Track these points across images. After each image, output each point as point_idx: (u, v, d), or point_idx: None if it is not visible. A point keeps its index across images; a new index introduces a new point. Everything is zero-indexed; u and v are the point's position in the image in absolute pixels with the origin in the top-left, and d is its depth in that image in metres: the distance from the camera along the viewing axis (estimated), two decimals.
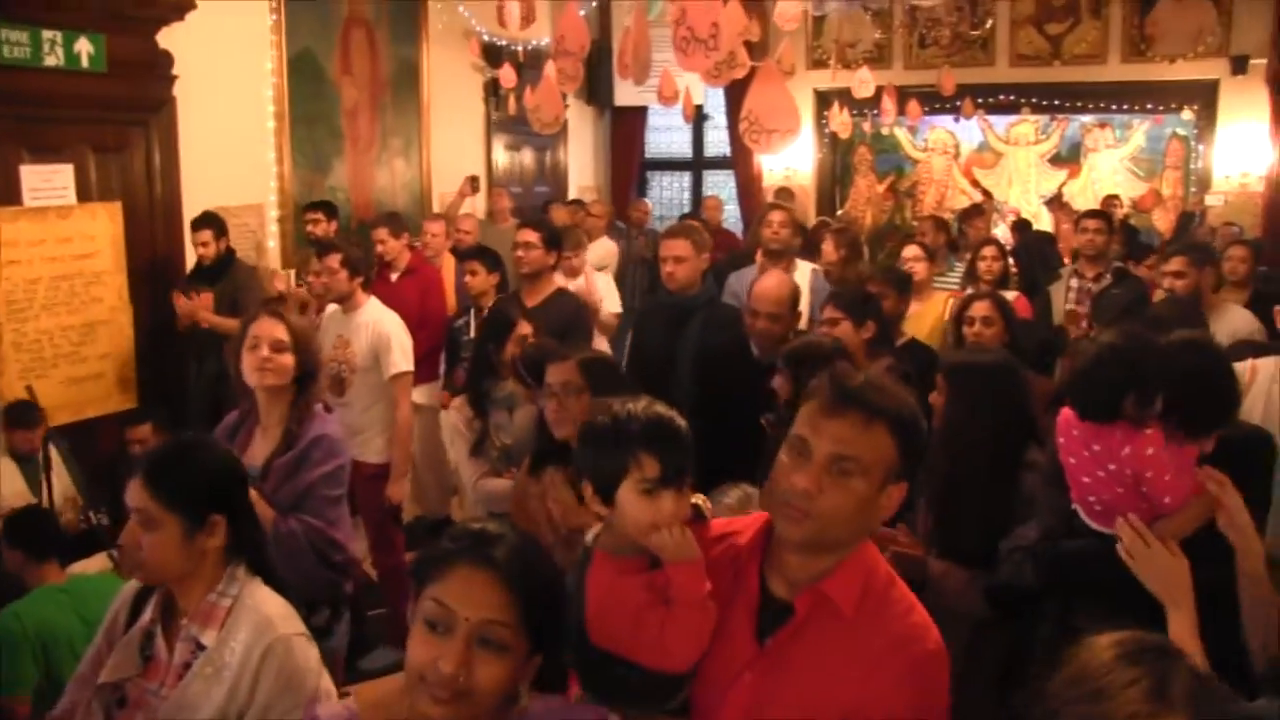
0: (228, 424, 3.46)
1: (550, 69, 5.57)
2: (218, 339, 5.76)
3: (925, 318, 5.83)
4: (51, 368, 5.84)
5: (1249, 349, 4.13)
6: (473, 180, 9.04)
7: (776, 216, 6.02)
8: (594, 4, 9.02)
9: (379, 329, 5.10)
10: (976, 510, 3.13)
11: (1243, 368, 3.50)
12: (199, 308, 5.99)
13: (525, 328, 4.25)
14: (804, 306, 4.99)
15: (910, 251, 6.32)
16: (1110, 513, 2.60)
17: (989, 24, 9.84)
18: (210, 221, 6.28)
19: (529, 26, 6.53)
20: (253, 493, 3.05)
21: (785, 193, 10.59)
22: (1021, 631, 2.86)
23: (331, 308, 5.43)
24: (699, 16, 3.21)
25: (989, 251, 6.61)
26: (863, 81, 8.39)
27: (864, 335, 4.25)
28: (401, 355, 5.10)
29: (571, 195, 11.17)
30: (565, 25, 4.15)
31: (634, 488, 1.81)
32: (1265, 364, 3.93)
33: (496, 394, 4.14)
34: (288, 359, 3.26)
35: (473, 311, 5.75)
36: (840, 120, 9.43)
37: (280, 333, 3.26)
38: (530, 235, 5.34)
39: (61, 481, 5.13)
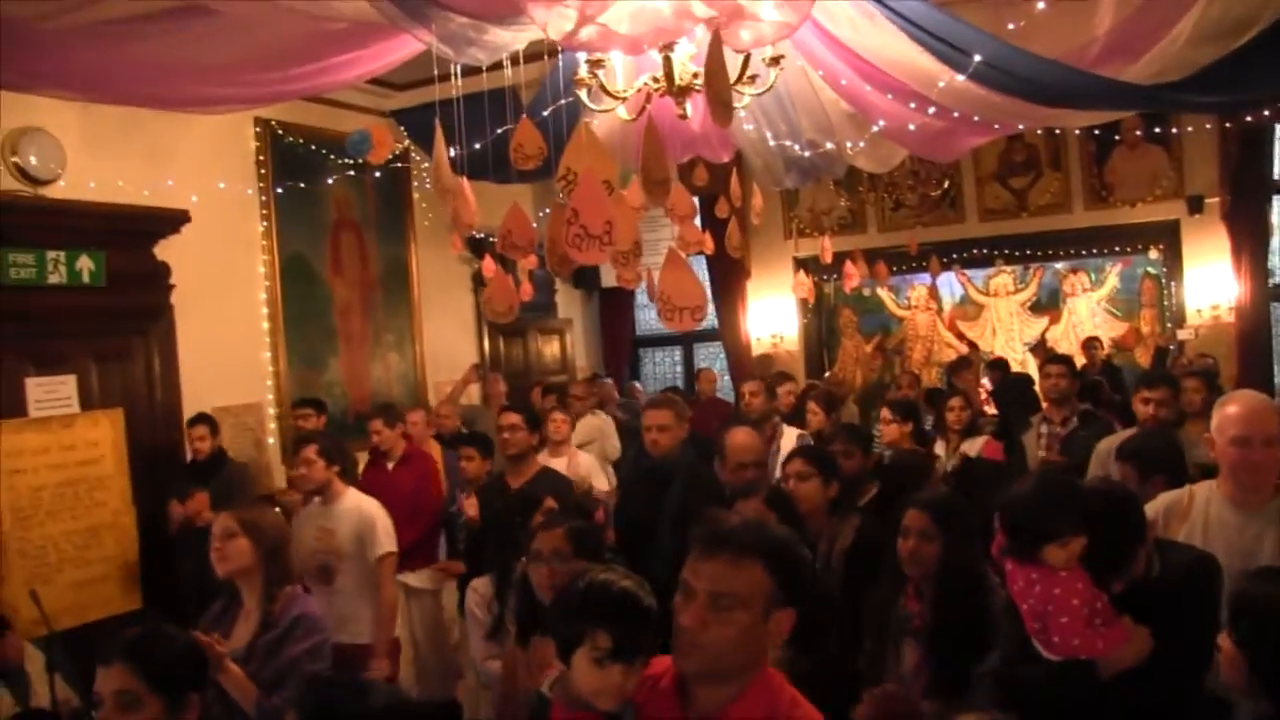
0: (213, 612, 3.61)
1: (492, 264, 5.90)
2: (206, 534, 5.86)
3: None
4: (56, 573, 5.95)
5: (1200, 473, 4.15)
6: (477, 368, 9.32)
7: (748, 387, 6.30)
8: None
9: (361, 514, 5.19)
10: (969, 649, 3.17)
11: (1181, 494, 3.51)
12: (201, 509, 6.11)
13: (551, 502, 4.39)
14: None
15: (884, 414, 6.56)
16: (1065, 641, 2.67)
17: (945, 184, 10.27)
18: (205, 419, 6.56)
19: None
20: (237, 671, 3.16)
21: (765, 360, 10.89)
22: None
23: (311, 503, 5.48)
24: (592, 216, 3.51)
25: (955, 403, 6.84)
26: (825, 249, 8.80)
27: (829, 493, 4.30)
28: (385, 537, 5.18)
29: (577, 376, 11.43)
30: (510, 221, 4.43)
31: (586, 655, 1.96)
32: (1200, 488, 3.90)
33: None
34: (239, 544, 3.46)
35: (462, 496, 5.92)
36: (802, 284, 9.74)
37: (227, 522, 3.50)
38: (513, 418, 5.56)
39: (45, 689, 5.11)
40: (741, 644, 1.91)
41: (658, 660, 2.09)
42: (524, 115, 4.82)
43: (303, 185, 7.96)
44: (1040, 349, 11.13)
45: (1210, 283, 10.65)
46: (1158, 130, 10.47)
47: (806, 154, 6.41)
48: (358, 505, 5.26)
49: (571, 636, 1.99)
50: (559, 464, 6.25)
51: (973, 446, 6.30)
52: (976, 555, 3.26)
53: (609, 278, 11.63)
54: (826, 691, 2.21)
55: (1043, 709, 2.66)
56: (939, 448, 6.73)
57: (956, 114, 5.13)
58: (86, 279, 6.23)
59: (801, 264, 11.84)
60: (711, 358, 13.23)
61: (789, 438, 6.26)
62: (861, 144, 6.24)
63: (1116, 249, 11.31)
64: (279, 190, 7.88)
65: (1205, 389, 5.92)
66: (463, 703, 5.59)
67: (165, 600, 6.24)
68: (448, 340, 9.80)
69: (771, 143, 6.23)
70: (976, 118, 5.23)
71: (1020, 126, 6.79)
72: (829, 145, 6.24)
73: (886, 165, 7.38)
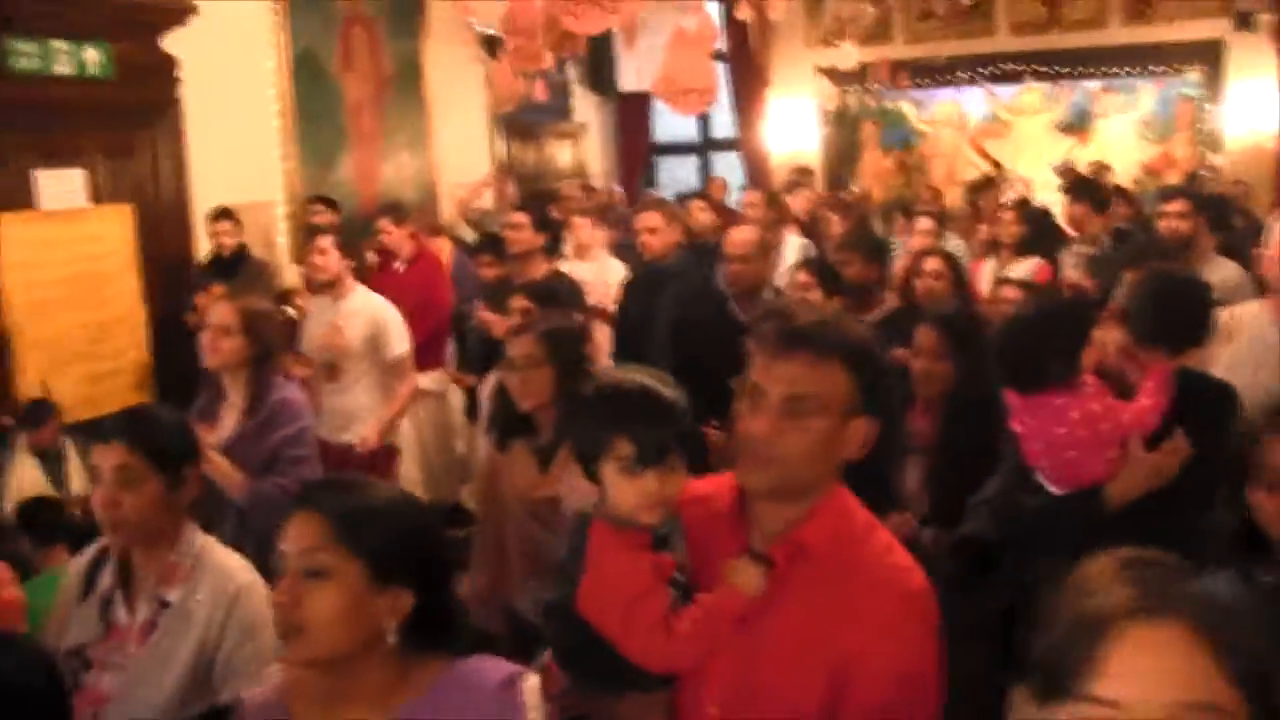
0: (198, 405, 3.65)
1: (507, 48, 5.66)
2: None
3: None
4: (68, 366, 6.02)
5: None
6: (499, 172, 9.20)
7: (746, 199, 6.22)
8: None
9: (373, 314, 5.18)
10: (975, 475, 3.10)
11: (1224, 315, 3.38)
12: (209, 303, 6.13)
13: (520, 302, 4.36)
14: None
15: (924, 224, 6.39)
16: (1064, 475, 2.65)
17: None
18: (228, 213, 6.52)
19: None
20: (222, 461, 3.22)
21: (803, 171, 10.60)
22: (983, 589, 2.88)
23: (321, 298, 5.48)
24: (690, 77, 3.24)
25: (1009, 215, 6.56)
26: (846, 54, 8.48)
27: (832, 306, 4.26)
28: (399, 337, 5.21)
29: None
30: (514, 5, 4.22)
31: (613, 467, 1.76)
32: (1244, 309, 3.80)
33: None
34: (233, 342, 3.45)
35: (478, 303, 5.89)
36: (825, 92, 9.45)
37: (227, 317, 3.45)
38: (518, 217, 5.49)
39: (79, 475, 5.30)
40: (817, 455, 1.71)
41: (711, 480, 1.90)
42: None
43: None
44: (1068, 171, 10.89)
45: (1252, 106, 10.32)
46: None
47: None
48: (369, 304, 5.25)
49: (592, 449, 1.79)
50: (586, 270, 6.21)
51: (1021, 268, 6.02)
52: (989, 376, 3.22)
53: (628, 80, 11.35)
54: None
55: (1038, 540, 2.63)
56: (986, 266, 6.49)
57: None
58: (94, 70, 6.09)
59: (825, 73, 11.51)
60: (729, 168, 13.02)
61: (793, 248, 6.18)
62: None
63: (1153, 69, 10.92)
64: None
65: (1192, 214, 5.23)
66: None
67: (180, 397, 6.32)
68: (460, 141, 9.62)
69: None
70: None
71: None
72: None
73: None
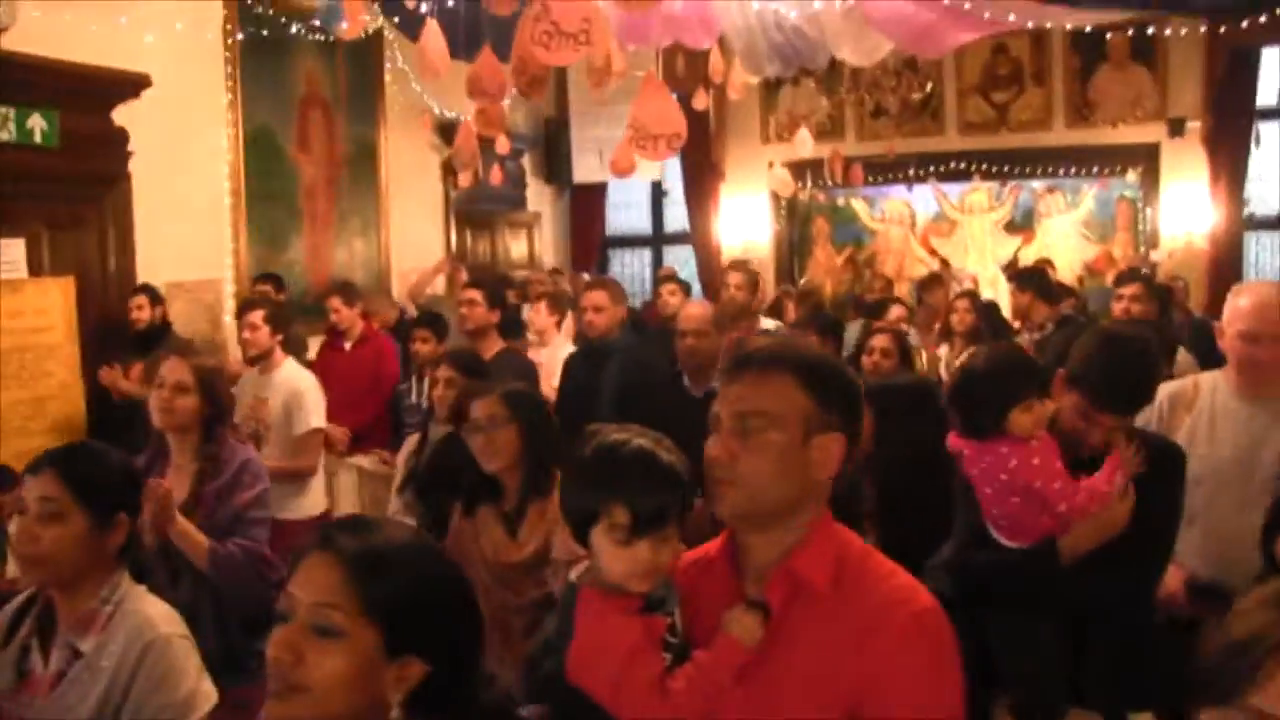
0: (139, 464, 3.48)
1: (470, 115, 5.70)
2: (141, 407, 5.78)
3: None
4: (3, 441, 5.81)
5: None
6: (451, 259, 9.22)
7: (733, 278, 6.21)
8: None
9: (294, 387, 5.10)
10: (911, 525, 3.10)
11: (1185, 383, 3.43)
12: (117, 378, 6.01)
13: (445, 371, 4.31)
14: None
15: (896, 312, 6.51)
16: (1015, 527, 2.64)
17: (929, 86, 10.10)
18: (145, 289, 6.42)
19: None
20: (183, 521, 3.08)
21: (741, 262, 10.71)
22: None
23: (250, 370, 5.38)
24: (566, 12, 3.21)
25: (962, 304, 6.84)
26: (802, 141, 8.60)
27: None
28: (314, 411, 5.09)
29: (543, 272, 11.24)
30: (480, 66, 4.24)
31: (606, 535, 1.68)
32: (1206, 377, 3.86)
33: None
34: (188, 401, 3.31)
35: (415, 378, 5.81)
36: (780, 179, 9.57)
37: (183, 375, 3.33)
38: (472, 293, 5.45)
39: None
40: (780, 473, 1.66)
41: (703, 546, 1.85)
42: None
43: (270, 56, 7.70)
44: (1013, 269, 11.09)
45: (1186, 208, 10.65)
46: (1143, 48, 10.34)
47: (788, 39, 6.23)
48: (292, 376, 5.18)
49: (584, 514, 1.70)
50: (543, 355, 6.18)
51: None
52: (922, 434, 3.19)
53: (582, 172, 11.45)
54: None
55: (992, 594, 2.61)
56: (939, 352, 6.75)
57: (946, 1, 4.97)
58: (39, 139, 6.01)
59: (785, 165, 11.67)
60: (681, 262, 13.11)
61: (766, 328, 6.20)
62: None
63: (1095, 169, 11.25)
64: (246, 60, 7.61)
65: (1147, 299, 5.41)
66: None
67: None
68: (415, 228, 9.61)
69: (754, 17, 6.03)
70: (967, 4, 5.07)
71: (1011, 17, 6.51)
72: (812, 32, 6.07)
73: (871, 58, 7.18)
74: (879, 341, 4.78)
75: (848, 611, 1.63)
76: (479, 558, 3.18)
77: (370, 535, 1.51)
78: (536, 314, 6.68)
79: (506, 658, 2.86)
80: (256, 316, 5.16)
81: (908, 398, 3.42)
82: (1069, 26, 8.95)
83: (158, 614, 2.25)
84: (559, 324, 6.90)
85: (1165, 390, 3.31)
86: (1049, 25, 8.79)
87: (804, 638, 1.64)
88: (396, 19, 7.37)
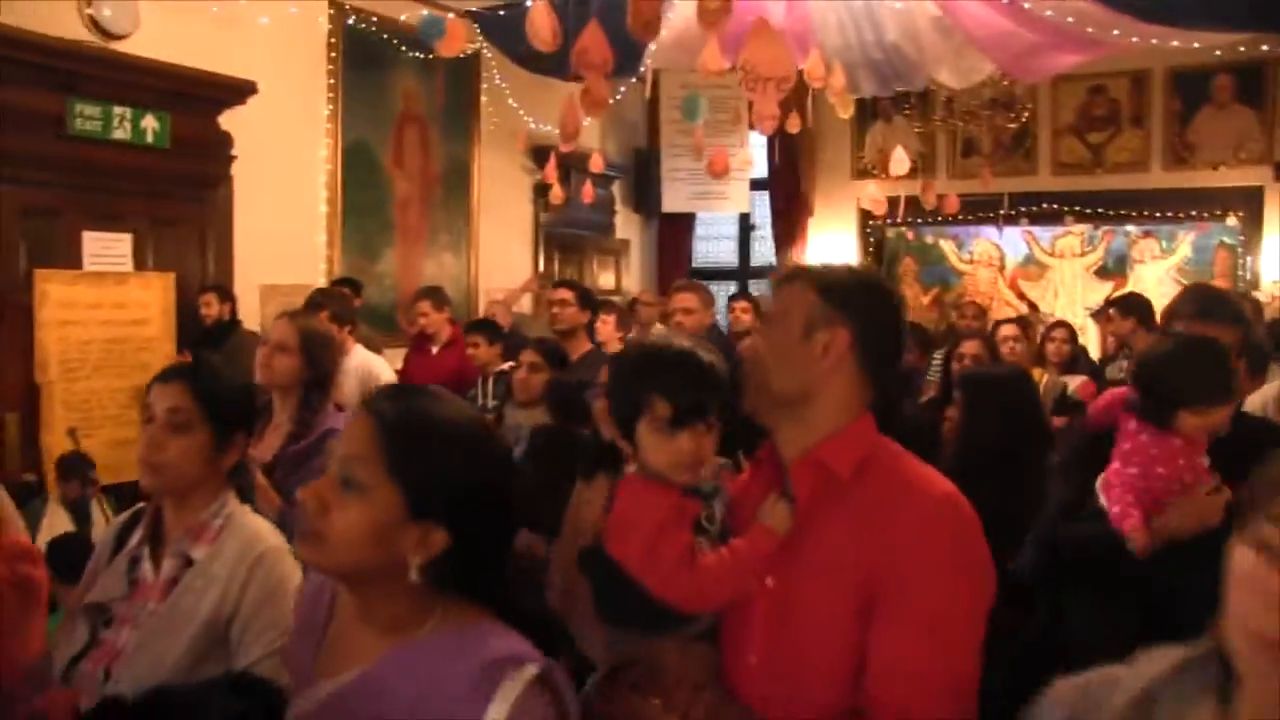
0: None
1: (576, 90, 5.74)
2: None
3: None
4: (98, 428, 5.98)
5: None
6: (540, 277, 9.34)
7: (739, 305, 6.39)
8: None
9: (367, 369, 5.29)
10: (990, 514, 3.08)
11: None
12: None
13: (530, 355, 4.37)
14: None
15: (1008, 330, 6.48)
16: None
17: (1024, 116, 9.94)
18: (215, 287, 6.58)
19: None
20: (261, 480, 3.12)
21: None
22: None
23: None
24: (770, 66, 3.28)
25: (1059, 334, 6.74)
26: (898, 161, 8.50)
27: None
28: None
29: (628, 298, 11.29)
30: (587, 39, 4.28)
31: (649, 427, 1.78)
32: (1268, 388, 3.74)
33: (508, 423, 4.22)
34: (287, 361, 3.38)
35: (479, 382, 5.87)
36: (872, 196, 9.45)
37: (287, 335, 3.40)
38: (564, 293, 5.49)
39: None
40: (783, 360, 1.78)
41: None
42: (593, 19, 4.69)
43: (371, 71, 7.92)
44: (1102, 315, 10.86)
45: None
46: (1248, 89, 10.11)
47: (887, 57, 6.21)
48: (365, 359, 5.38)
49: (629, 408, 1.80)
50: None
51: (1070, 383, 6.23)
52: (1005, 432, 3.15)
53: (671, 202, 11.50)
54: None
55: (1077, 568, 2.57)
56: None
57: (1049, 12, 4.91)
58: (150, 139, 6.24)
59: (866, 212, 11.64)
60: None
61: None
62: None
63: (1193, 213, 10.94)
64: (347, 74, 7.85)
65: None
66: None
67: None
68: (503, 249, 9.73)
69: (852, 35, 6.03)
70: (1070, 19, 5.01)
71: (1115, 33, 6.26)
72: (911, 52, 6.05)
73: (968, 79, 7.12)
74: (968, 348, 4.75)
75: (869, 497, 1.70)
76: (585, 519, 3.18)
77: (410, 400, 1.55)
78: (604, 326, 6.71)
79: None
80: (322, 316, 5.26)
81: (1000, 389, 3.35)
82: (1169, 65, 8.75)
83: (264, 528, 2.28)
84: (623, 340, 6.98)
85: (1272, 389, 3.24)
86: (1150, 66, 8.65)
87: (828, 524, 1.71)
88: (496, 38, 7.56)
